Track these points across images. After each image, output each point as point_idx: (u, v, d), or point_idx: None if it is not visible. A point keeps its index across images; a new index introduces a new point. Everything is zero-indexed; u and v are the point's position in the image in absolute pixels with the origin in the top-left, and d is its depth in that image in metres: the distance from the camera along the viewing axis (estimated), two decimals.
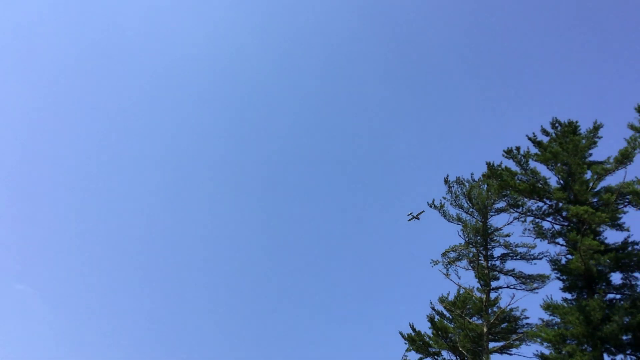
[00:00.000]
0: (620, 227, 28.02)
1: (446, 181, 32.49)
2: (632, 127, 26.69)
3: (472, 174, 33.00)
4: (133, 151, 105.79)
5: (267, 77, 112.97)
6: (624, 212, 28.08)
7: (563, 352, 25.50)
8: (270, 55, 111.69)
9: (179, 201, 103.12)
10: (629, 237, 27.58)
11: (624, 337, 24.69)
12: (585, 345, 24.52)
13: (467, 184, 32.44)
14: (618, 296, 26.83)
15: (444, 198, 32.81)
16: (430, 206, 32.55)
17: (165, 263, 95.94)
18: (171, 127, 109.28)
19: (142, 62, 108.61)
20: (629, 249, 26.97)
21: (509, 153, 29.59)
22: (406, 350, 37.89)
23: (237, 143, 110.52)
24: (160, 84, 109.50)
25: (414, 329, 33.91)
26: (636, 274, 26.60)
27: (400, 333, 34.34)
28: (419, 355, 35.66)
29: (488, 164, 29.90)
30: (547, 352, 26.92)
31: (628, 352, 25.34)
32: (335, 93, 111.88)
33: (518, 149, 29.57)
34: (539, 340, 26.82)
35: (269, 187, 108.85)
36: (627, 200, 27.78)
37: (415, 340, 33.50)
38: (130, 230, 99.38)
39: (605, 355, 25.00)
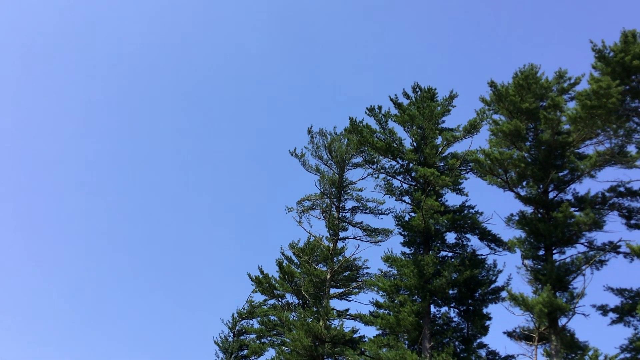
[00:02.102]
0: (460, 192, 30.44)
1: (309, 131, 33.00)
2: (482, 99, 28.64)
3: (334, 127, 33.86)
4: None
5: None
6: (465, 178, 30.55)
7: (396, 301, 27.56)
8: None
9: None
10: (466, 201, 30.11)
11: (451, 292, 27.18)
12: (416, 297, 26.66)
13: (329, 136, 33.21)
14: (450, 254, 29.37)
15: (306, 148, 33.39)
16: (292, 154, 33.01)
17: None
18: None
19: None
20: (465, 212, 29.41)
21: (371, 111, 30.64)
22: (252, 292, 38.93)
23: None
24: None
25: (262, 272, 34.75)
26: (468, 235, 29.21)
27: (249, 275, 35.08)
28: (264, 297, 36.81)
29: (351, 119, 30.73)
30: (381, 300, 28.98)
31: (452, 304, 28.02)
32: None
33: (380, 108, 30.71)
34: (375, 289, 28.69)
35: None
36: (469, 167, 30.15)
37: (262, 283, 34.40)
38: None
39: (432, 307, 27.43)
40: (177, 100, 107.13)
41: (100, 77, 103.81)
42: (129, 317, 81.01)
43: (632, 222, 25.25)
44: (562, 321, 23.76)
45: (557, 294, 23.41)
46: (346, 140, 32.65)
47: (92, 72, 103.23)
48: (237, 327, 40.12)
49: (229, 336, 39.84)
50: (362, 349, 28.75)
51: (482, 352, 27.26)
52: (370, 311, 29.82)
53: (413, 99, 32.36)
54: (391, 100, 31.94)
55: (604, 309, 24.81)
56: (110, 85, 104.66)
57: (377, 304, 29.23)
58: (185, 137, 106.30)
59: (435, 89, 32.50)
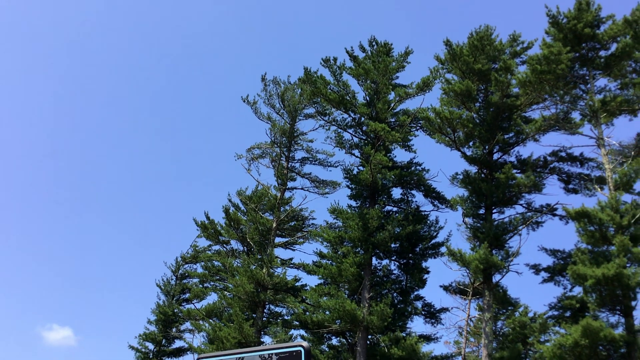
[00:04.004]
0: (409, 148, 30.82)
1: (263, 79, 32.55)
2: (437, 58, 28.80)
3: (288, 76, 33.63)
4: None
5: None
6: (415, 135, 30.89)
7: (339, 252, 28.06)
8: None
9: None
10: (414, 158, 30.57)
11: (393, 245, 27.82)
12: (359, 249, 27.18)
13: (282, 85, 32.87)
14: (395, 209, 29.94)
15: (258, 95, 33.00)
16: (244, 101, 32.53)
17: None
18: None
19: None
20: (412, 168, 29.90)
21: (326, 62, 30.36)
22: (197, 237, 38.90)
23: None
24: None
25: (208, 217, 34.67)
26: (414, 191, 29.81)
27: (194, 220, 34.94)
28: (209, 243, 36.86)
29: (305, 69, 30.39)
30: (325, 250, 29.44)
31: (393, 257, 28.74)
32: None
33: (335, 59, 30.44)
34: (320, 239, 29.10)
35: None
36: (419, 124, 30.43)
37: (207, 228, 34.36)
38: None
39: (374, 259, 28.06)
40: (133, 45, 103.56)
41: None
42: (74, 255, 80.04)
43: (570, 186, 26.27)
44: (497, 278, 24.77)
45: (494, 251, 24.28)
46: (299, 90, 32.40)
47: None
48: (180, 271, 40.19)
49: (172, 279, 39.92)
50: (303, 297, 29.28)
51: (419, 304, 28.24)
52: (313, 261, 30.31)
53: (369, 52, 32.21)
54: (347, 52, 31.72)
55: (536, 268, 25.97)
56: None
57: (321, 254, 29.70)
58: (138, 78, 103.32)
59: (391, 44, 32.42)
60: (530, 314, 34.85)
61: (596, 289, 19.63)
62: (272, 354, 4.11)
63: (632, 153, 22.94)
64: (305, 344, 4.05)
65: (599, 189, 23.99)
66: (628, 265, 19.11)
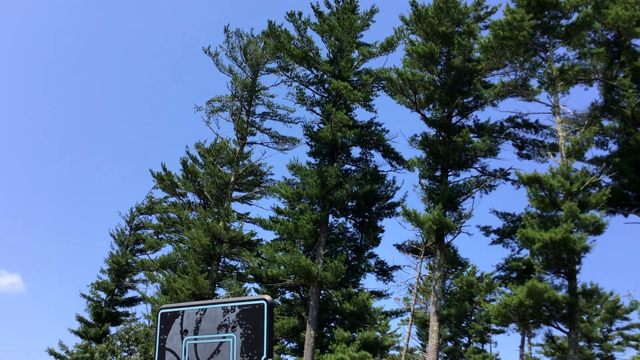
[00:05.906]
0: (369, 108, 30.92)
1: (226, 30, 31.73)
2: (402, 18, 28.63)
3: (252, 29, 33.00)
4: None
5: None
6: (377, 96, 31.02)
7: (296, 209, 28.27)
8: None
9: None
10: (374, 118, 30.77)
11: (350, 204, 28.18)
12: (316, 206, 27.43)
13: (245, 38, 32.19)
14: (353, 168, 30.24)
15: (221, 47, 32.31)
16: (205, 52, 31.74)
17: None
18: None
19: None
20: (373, 128, 30.07)
21: (291, 17, 29.84)
22: (153, 188, 38.46)
23: None
24: None
25: (165, 169, 34.25)
26: (373, 151, 30.09)
27: (151, 171, 34.47)
28: (165, 194, 36.50)
29: (269, 22, 29.82)
30: (282, 206, 29.62)
31: (350, 216, 29.13)
32: None
33: (300, 14, 29.94)
34: (278, 195, 29.20)
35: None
36: (381, 84, 30.48)
37: (164, 180, 33.97)
38: None
39: (330, 216, 28.38)
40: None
41: None
42: (23, 199, 78.30)
43: (524, 152, 26.95)
44: (448, 238, 25.49)
45: (447, 213, 24.87)
46: (262, 44, 31.84)
47: None
48: (134, 222, 39.75)
49: (126, 230, 39.49)
50: (259, 252, 29.54)
51: (372, 261, 28.87)
52: (270, 216, 30.49)
53: (334, 9, 31.76)
54: (312, 7, 31.21)
55: (487, 230, 26.76)
56: None
57: (278, 210, 29.86)
58: (99, 23, 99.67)
59: (357, 1, 32.01)
60: (478, 274, 36.14)
61: (543, 252, 20.38)
62: (235, 306, 4.19)
63: (586, 122, 23.59)
64: (268, 297, 4.15)
65: (551, 156, 24.65)
66: (575, 230, 19.85)
